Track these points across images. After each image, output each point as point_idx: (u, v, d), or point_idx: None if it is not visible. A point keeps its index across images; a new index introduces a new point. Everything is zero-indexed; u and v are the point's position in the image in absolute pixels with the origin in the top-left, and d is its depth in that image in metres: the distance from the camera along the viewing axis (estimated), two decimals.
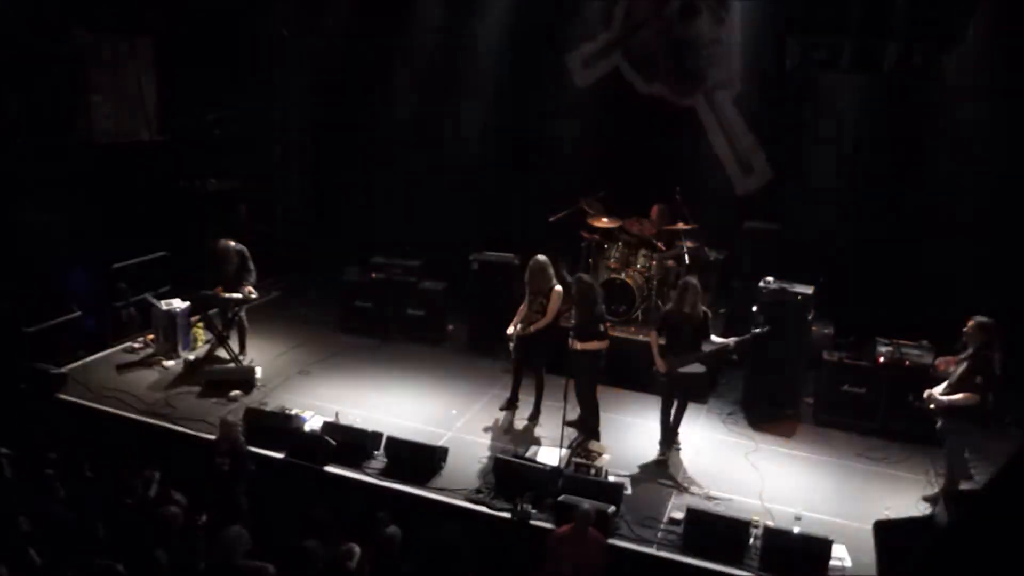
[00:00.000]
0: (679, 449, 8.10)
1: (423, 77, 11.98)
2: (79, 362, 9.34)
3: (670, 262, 9.99)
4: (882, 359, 8.58)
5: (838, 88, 10.11)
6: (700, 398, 8.92)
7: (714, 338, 7.93)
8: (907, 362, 8.49)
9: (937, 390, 7.12)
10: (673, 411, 8.02)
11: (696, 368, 7.86)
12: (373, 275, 10.80)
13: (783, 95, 10.42)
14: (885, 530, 6.43)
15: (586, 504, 6.44)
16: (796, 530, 6.73)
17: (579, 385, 7.98)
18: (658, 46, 11.16)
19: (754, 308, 8.74)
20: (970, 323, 7.00)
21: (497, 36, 11.55)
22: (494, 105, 11.74)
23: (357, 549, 6.21)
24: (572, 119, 11.50)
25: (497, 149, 11.82)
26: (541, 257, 8.35)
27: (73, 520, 6.22)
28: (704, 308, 7.90)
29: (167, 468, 7.13)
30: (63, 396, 8.56)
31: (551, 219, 10.10)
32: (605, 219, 10.16)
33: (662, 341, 7.85)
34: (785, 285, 8.77)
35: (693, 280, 7.83)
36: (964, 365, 6.96)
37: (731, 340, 8.03)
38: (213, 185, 11.68)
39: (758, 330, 8.13)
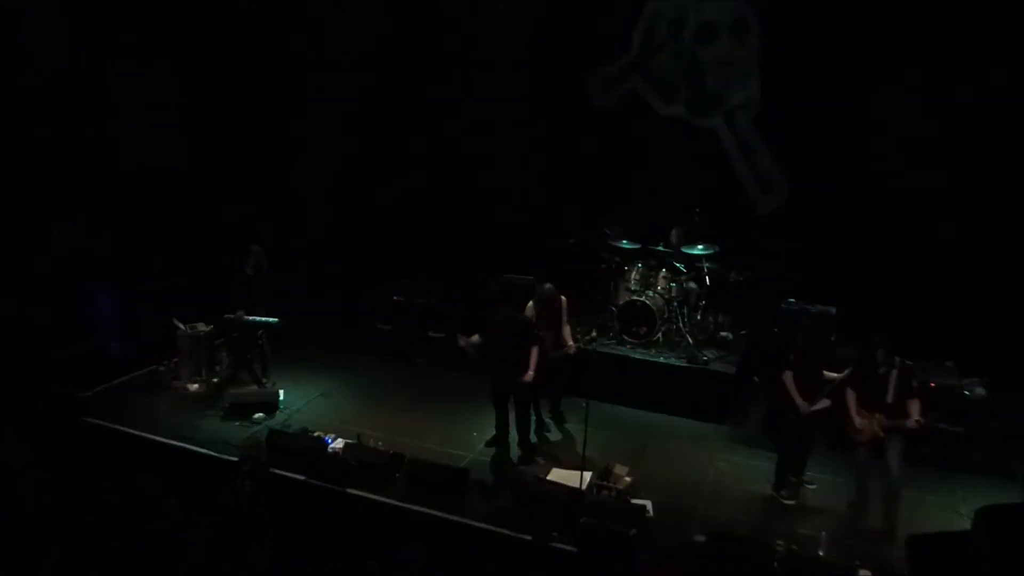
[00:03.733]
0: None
1: (440, 100, 12.07)
2: (104, 385, 9.43)
3: (690, 284, 9.97)
4: None
5: (853, 107, 10.10)
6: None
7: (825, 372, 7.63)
8: (932, 384, 8.39)
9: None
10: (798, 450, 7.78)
11: (824, 403, 7.59)
12: (395, 297, 10.86)
13: (802, 115, 10.41)
14: (918, 544, 6.34)
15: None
16: (820, 554, 6.66)
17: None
18: (677, 68, 11.23)
19: (775, 329, 8.69)
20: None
21: (516, 58, 11.64)
22: (513, 127, 11.80)
23: (377, 570, 6.21)
24: (591, 141, 11.53)
25: (516, 170, 11.86)
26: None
27: (96, 542, 6.27)
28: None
29: (190, 490, 7.17)
30: (88, 419, 8.64)
31: (571, 241, 10.12)
32: (625, 241, 10.17)
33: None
34: (807, 306, 8.72)
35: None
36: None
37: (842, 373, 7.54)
38: (236, 209, 11.78)
39: None
